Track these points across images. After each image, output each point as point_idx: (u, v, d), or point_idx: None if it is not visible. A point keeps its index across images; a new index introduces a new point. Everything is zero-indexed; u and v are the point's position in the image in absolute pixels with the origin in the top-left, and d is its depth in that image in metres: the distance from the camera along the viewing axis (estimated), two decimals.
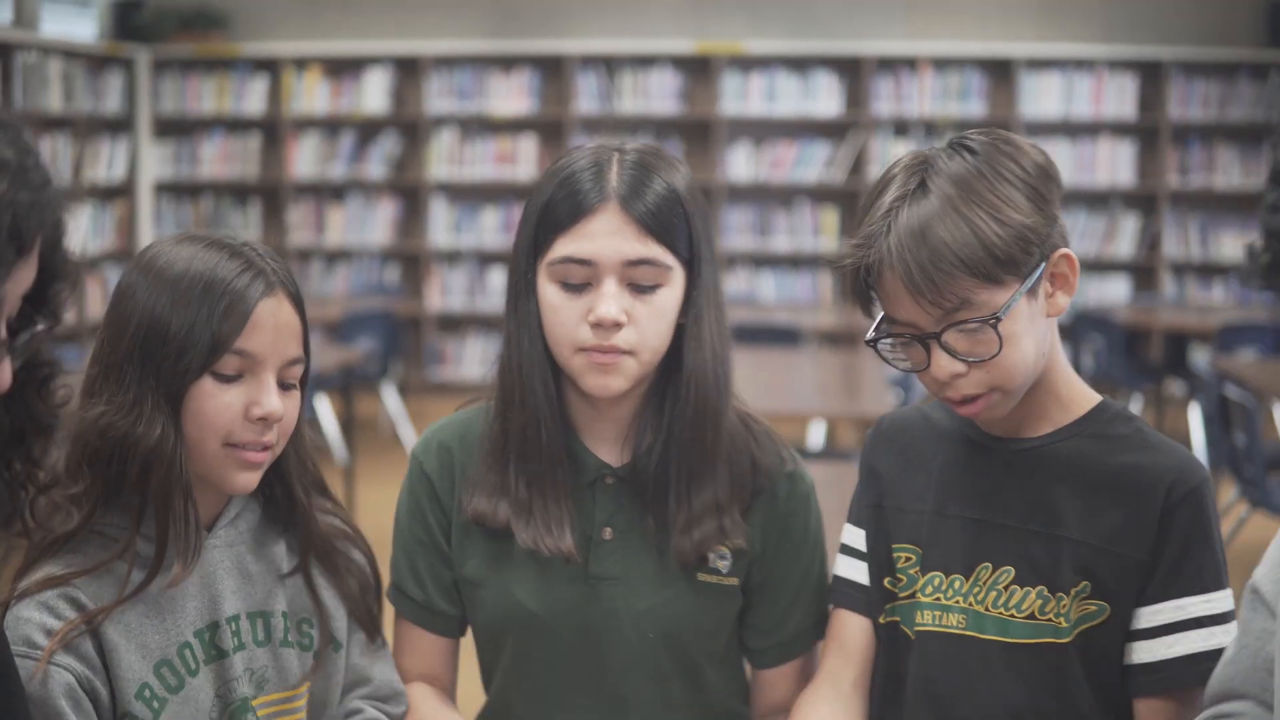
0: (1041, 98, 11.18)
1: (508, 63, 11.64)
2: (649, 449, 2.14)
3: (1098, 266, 11.27)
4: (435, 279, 11.73)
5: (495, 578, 2.17)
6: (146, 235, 11.83)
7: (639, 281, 2.05)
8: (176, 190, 12.09)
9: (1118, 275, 11.32)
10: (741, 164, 11.47)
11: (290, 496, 2.06)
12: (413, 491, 2.23)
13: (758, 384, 6.02)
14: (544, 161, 11.46)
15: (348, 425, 8.47)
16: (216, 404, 1.92)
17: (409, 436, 9.59)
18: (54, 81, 10.52)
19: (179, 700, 1.94)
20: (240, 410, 1.93)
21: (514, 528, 2.11)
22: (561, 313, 2.06)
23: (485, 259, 11.63)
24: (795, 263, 11.51)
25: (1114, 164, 11.22)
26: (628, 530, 2.15)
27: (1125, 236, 11.25)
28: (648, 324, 2.05)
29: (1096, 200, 11.32)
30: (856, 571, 2.16)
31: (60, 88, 10.61)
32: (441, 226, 11.73)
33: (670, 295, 2.07)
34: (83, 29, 11.09)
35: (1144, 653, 1.96)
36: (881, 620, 2.12)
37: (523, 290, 2.11)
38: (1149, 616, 1.95)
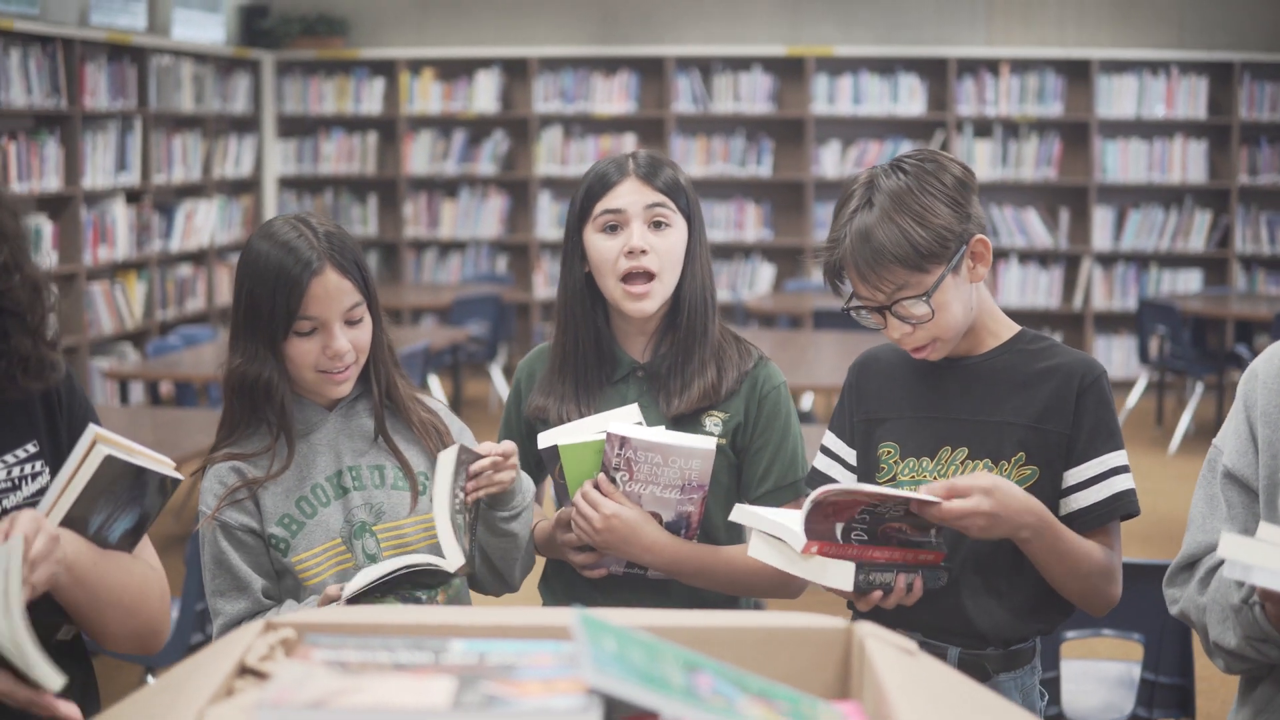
0: (1117, 99, 11.52)
1: (610, 65, 12.16)
2: (664, 353, 3.01)
3: (1170, 260, 11.71)
4: (541, 268, 12.32)
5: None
6: None
7: (656, 219, 2.95)
8: (299, 185, 12.74)
9: (1191, 269, 11.70)
10: (830, 162, 11.92)
11: (379, 386, 2.88)
12: (514, 391, 3.17)
13: (843, 360, 6.62)
14: None
15: (456, 402, 9.12)
16: (300, 350, 2.75)
17: None
18: (185, 83, 11.13)
19: (313, 523, 2.77)
20: (318, 352, 2.75)
21: (550, 412, 3.01)
22: (604, 250, 2.95)
23: None
24: None
25: (1186, 162, 11.52)
26: (649, 407, 2.98)
27: (1197, 231, 11.59)
28: (664, 252, 2.95)
29: (1170, 197, 11.70)
30: (829, 468, 2.92)
31: (191, 89, 11.23)
32: (547, 220, 12.30)
33: (677, 235, 2.98)
34: (212, 34, 11.70)
35: (1079, 501, 2.69)
36: None
37: (571, 249, 3.02)
38: (1077, 474, 2.69)
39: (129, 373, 8.13)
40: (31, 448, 2.34)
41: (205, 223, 11.32)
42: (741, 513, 2.63)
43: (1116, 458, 2.70)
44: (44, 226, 9.22)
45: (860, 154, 11.84)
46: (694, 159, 12.00)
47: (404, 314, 11.50)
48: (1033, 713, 2.75)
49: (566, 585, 3.04)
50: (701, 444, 2.82)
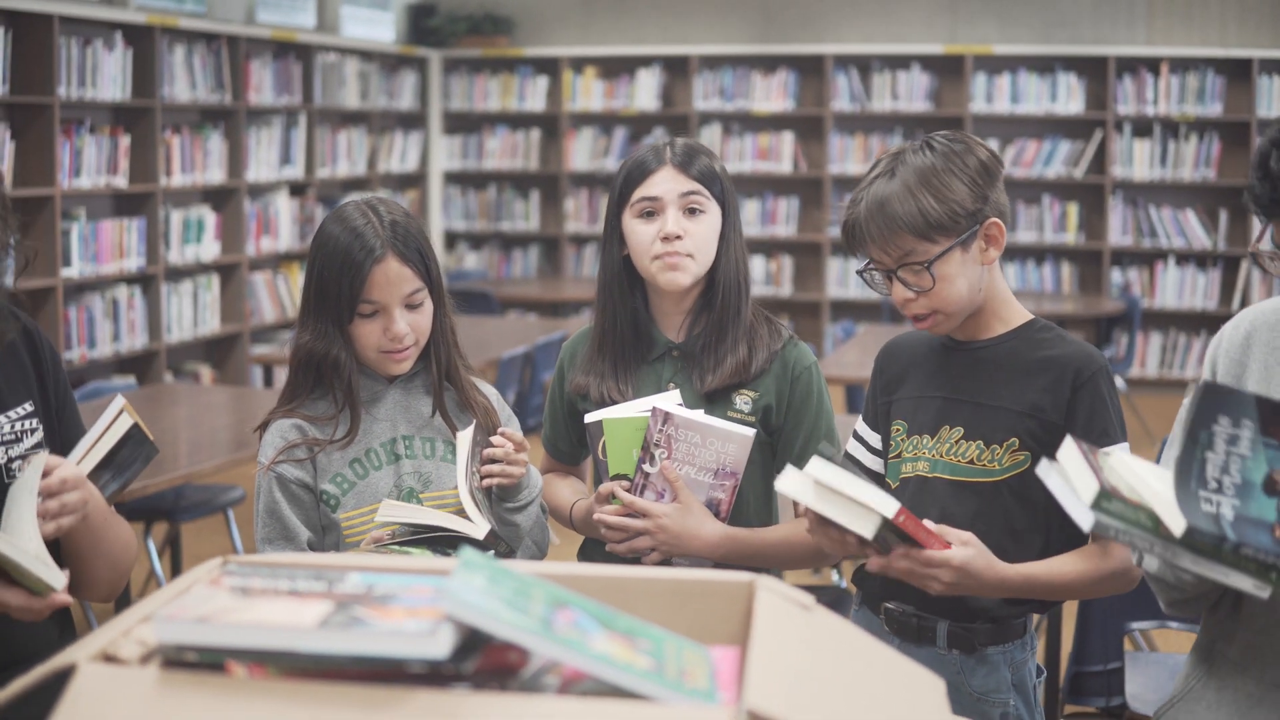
0: (1278, 99, 11.33)
1: (769, 63, 12.27)
2: (698, 333, 3.15)
3: None
4: None
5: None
6: (436, 221, 12.81)
7: (690, 206, 3.10)
8: (464, 180, 13.04)
9: None
10: None
11: (438, 366, 3.06)
12: (558, 371, 3.33)
13: None
14: (802, 157, 12.17)
15: None
16: (363, 331, 2.94)
17: None
18: (351, 80, 11.47)
19: (364, 484, 2.96)
20: (379, 333, 2.94)
21: (590, 389, 3.17)
22: (641, 234, 3.10)
23: None
24: (1038, 254, 11.92)
25: None
26: (683, 385, 3.13)
27: None
28: (698, 236, 3.10)
29: None
30: (857, 451, 3.05)
31: (356, 86, 11.56)
32: None
33: (711, 221, 3.13)
34: (381, 32, 12.03)
35: None
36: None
37: (610, 234, 3.18)
38: None
39: (271, 357, 8.67)
40: (29, 406, 2.61)
41: None
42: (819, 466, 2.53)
43: (1113, 450, 2.77)
44: (207, 217, 9.58)
45: (1018, 153, 11.80)
46: (851, 157, 12.07)
47: (560, 306, 11.72)
48: (1024, 688, 2.86)
49: (605, 560, 3.17)
50: (740, 430, 2.95)
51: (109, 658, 1.54)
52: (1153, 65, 11.57)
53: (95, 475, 2.44)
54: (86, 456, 2.43)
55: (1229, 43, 11.48)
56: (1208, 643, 2.58)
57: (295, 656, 1.46)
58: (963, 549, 2.58)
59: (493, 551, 2.84)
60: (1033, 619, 2.91)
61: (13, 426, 2.54)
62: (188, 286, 9.44)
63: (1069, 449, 2.20)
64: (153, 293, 9.05)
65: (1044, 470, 2.21)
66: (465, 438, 2.93)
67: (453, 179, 13.04)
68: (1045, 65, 11.80)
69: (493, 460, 2.95)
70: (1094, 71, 11.71)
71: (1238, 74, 11.48)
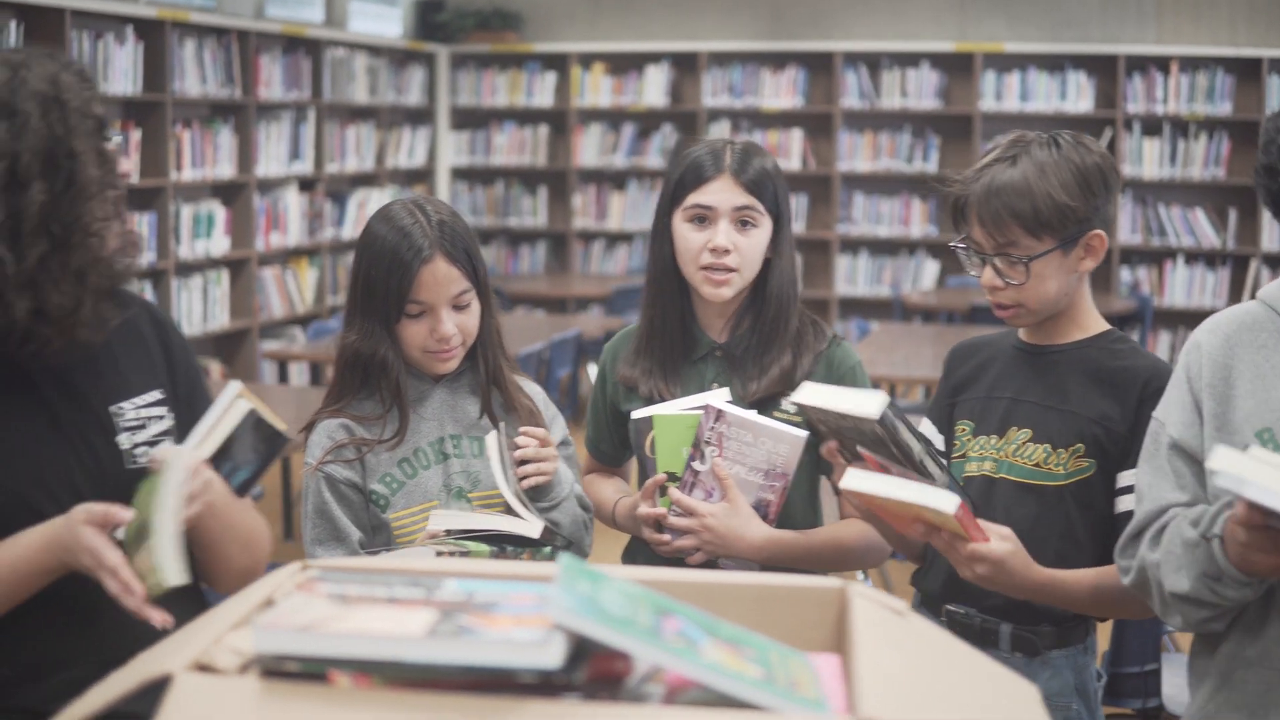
0: None
1: (778, 60, 12.23)
2: (741, 334, 3.14)
3: None
4: None
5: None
6: None
7: (743, 219, 3.06)
8: (471, 176, 12.99)
9: None
10: None
11: (485, 366, 3.03)
12: (600, 373, 3.30)
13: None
14: (810, 154, 12.13)
15: None
16: (410, 332, 2.93)
17: None
18: (359, 75, 11.42)
19: (413, 484, 2.94)
20: (426, 334, 2.91)
21: (639, 384, 3.15)
22: (690, 241, 3.08)
23: None
24: None
25: None
26: (726, 386, 3.08)
27: None
28: (747, 251, 3.07)
29: None
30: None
31: (365, 81, 11.52)
32: None
33: (762, 235, 3.09)
34: (388, 28, 12.01)
35: (1127, 503, 2.74)
36: None
37: (660, 231, 3.15)
38: (1129, 476, 2.74)
39: (286, 353, 8.55)
40: (158, 394, 2.58)
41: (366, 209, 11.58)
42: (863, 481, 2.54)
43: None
44: (217, 212, 9.54)
45: None
46: (861, 154, 12.04)
47: (568, 303, 11.69)
48: (1086, 692, 2.83)
49: (649, 559, 3.16)
50: (792, 431, 2.91)
51: (204, 667, 1.50)
52: (1162, 64, 11.54)
53: (216, 464, 2.39)
54: (201, 446, 2.38)
55: (1239, 42, 11.45)
56: (1233, 649, 2.50)
57: (402, 666, 1.43)
58: (1001, 544, 2.56)
59: (550, 548, 2.82)
60: (1094, 622, 2.88)
61: (137, 413, 2.51)
62: (197, 281, 9.39)
63: (1226, 453, 2.10)
64: (163, 287, 9.00)
65: (1229, 480, 2.05)
66: (493, 442, 2.91)
67: (460, 175, 13.00)
68: (1055, 64, 11.77)
69: (524, 460, 2.94)
70: (1103, 70, 11.68)
71: (1247, 73, 11.43)
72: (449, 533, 2.80)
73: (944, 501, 2.42)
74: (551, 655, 1.41)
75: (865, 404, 2.51)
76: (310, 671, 1.45)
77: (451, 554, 2.73)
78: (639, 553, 3.19)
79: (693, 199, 3.08)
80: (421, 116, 12.67)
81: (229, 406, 2.40)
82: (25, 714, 2.32)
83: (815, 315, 3.22)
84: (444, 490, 2.96)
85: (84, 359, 2.45)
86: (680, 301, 3.16)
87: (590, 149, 12.65)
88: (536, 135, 12.75)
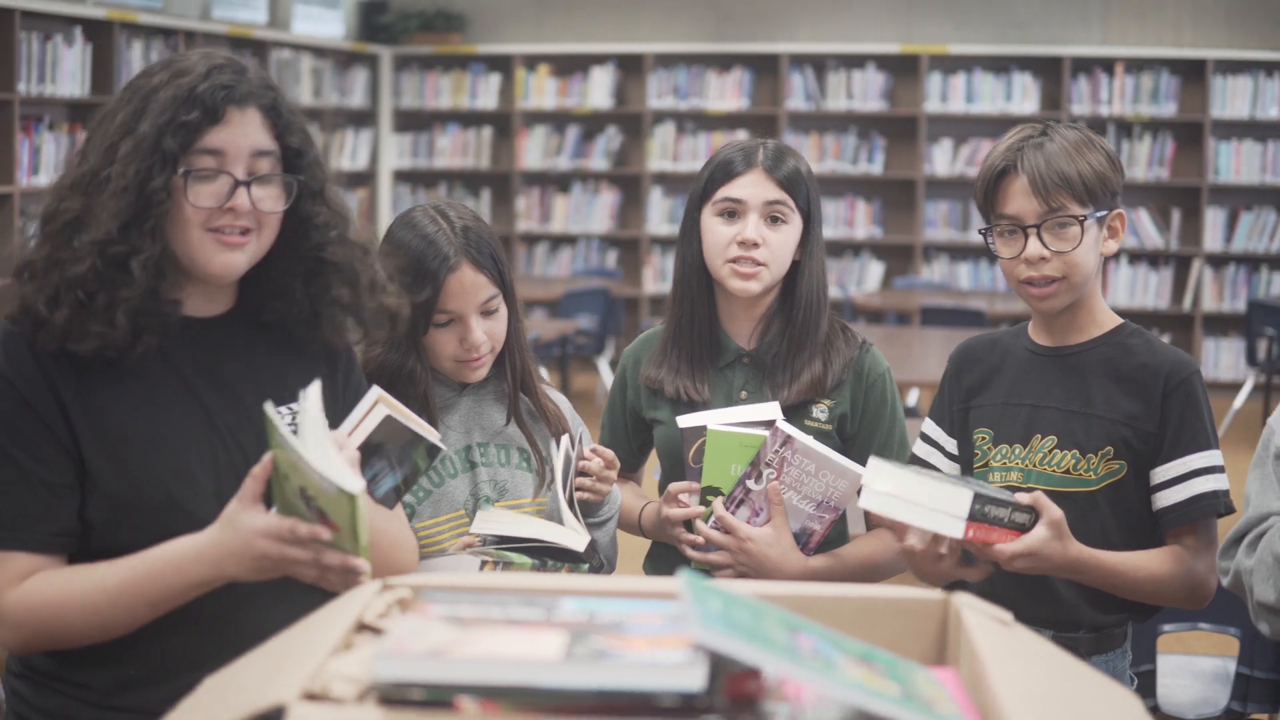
0: (1231, 99, 11.39)
1: (724, 62, 12.21)
2: (770, 340, 3.08)
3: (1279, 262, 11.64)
4: (651, 263, 12.39)
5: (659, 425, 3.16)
6: (386, 219, 12.61)
7: (773, 215, 3.00)
8: (414, 178, 12.89)
9: None
10: (942, 160, 11.91)
11: (513, 373, 2.95)
12: (619, 378, 3.26)
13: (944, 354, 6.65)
14: None
15: (564, 394, 9.27)
16: (438, 341, 2.84)
17: None
18: (304, 77, 11.33)
19: (439, 492, 2.87)
20: (455, 343, 2.83)
21: (665, 384, 3.09)
22: (719, 234, 3.02)
23: None
24: (991, 254, 11.82)
25: None
26: (755, 394, 3.05)
27: None
28: (776, 247, 3.01)
29: None
30: (929, 454, 2.98)
31: (310, 83, 11.42)
32: (658, 215, 12.36)
33: (791, 232, 3.03)
34: (331, 29, 11.91)
35: (1165, 499, 2.74)
36: None
37: (689, 228, 3.09)
38: (1163, 473, 2.74)
39: None
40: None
41: None
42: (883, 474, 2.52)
43: (1204, 458, 2.72)
44: None
45: (972, 153, 11.78)
46: (806, 156, 11.84)
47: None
48: None
49: (672, 568, 3.09)
50: (855, 469, 2.81)
51: (316, 696, 1.42)
52: (1107, 65, 11.61)
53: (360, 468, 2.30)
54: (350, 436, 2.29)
55: (1184, 43, 11.53)
56: None
57: (535, 692, 1.36)
58: (1028, 537, 2.51)
59: (587, 565, 2.75)
60: (1130, 627, 2.85)
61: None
62: None
63: None
64: None
65: None
66: (565, 446, 2.83)
67: (403, 177, 12.89)
68: (1000, 65, 11.81)
69: (584, 474, 2.88)
70: (1049, 71, 11.73)
71: (1192, 74, 11.53)
72: (485, 540, 2.73)
73: (952, 527, 2.42)
74: (695, 677, 1.35)
75: (952, 504, 2.44)
76: (435, 699, 1.38)
77: (495, 565, 2.67)
78: (661, 562, 3.14)
79: (723, 193, 3.02)
80: (364, 118, 12.56)
81: (367, 412, 2.35)
82: (142, 714, 2.23)
83: (844, 323, 3.16)
84: (470, 499, 2.89)
85: (246, 364, 2.41)
86: (707, 301, 3.10)
87: (534, 151, 12.58)
88: (480, 137, 12.67)
